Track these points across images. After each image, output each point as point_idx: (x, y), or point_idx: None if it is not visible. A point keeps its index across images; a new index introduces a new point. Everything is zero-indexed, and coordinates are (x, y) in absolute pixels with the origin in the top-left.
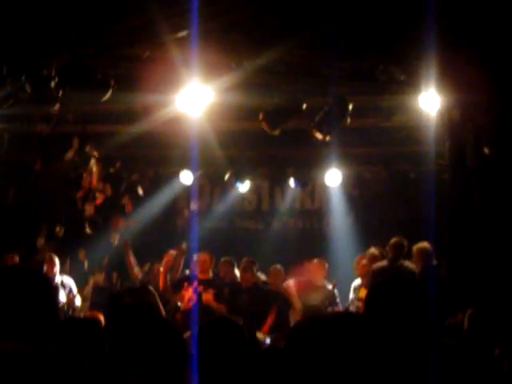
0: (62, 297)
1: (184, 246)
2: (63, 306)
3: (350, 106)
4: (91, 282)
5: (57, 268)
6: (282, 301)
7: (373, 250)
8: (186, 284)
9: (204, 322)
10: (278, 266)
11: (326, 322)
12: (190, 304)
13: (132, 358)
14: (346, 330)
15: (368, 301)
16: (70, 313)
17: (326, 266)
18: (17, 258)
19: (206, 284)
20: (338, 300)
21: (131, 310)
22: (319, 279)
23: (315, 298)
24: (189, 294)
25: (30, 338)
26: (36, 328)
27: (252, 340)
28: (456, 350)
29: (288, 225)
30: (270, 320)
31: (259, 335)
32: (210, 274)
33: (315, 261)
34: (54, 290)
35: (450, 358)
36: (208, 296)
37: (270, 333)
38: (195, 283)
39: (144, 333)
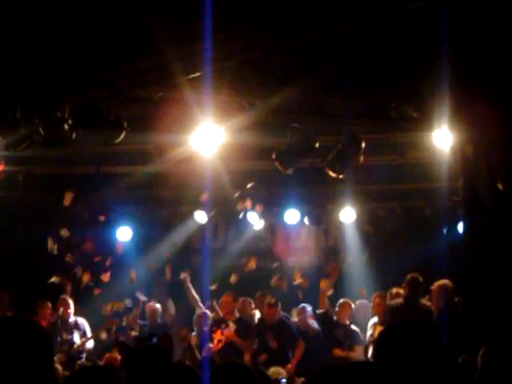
0: (76, 338)
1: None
2: (77, 348)
3: (363, 144)
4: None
5: (71, 309)
6: (309, 339)
7: (395, 290)
8: (214, 327)
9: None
10: (306, 305)
11: (337, 372)
12: (220, 345)
13: None
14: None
15: (378, 345)
16: (83, 355)
17: (352, 306)
18: (49, 305)
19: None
20: (359, 338)
21: (144, 356)
22: (344, 319)
23: (339, 334)
24: (217, 336)
25: None
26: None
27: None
28: None
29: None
30: (296, 356)
31: (276, 373)
32: (236, 314)
33: (341, 301)
34: (51, 344)
35: None
36: (230, 333)
37: (298, 369)
38: (223, 325)
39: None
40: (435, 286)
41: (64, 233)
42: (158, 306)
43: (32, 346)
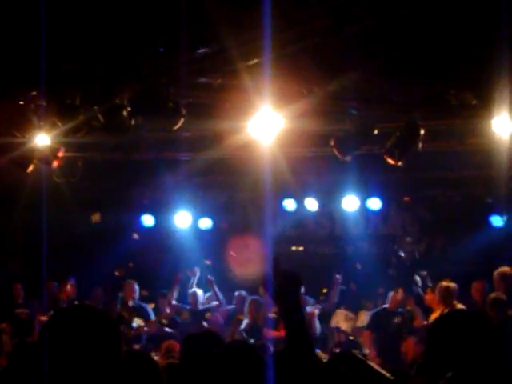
0: (137, 322)
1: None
2: (139, 331)
3: (422, 131)
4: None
5: (136, 294)
6: None
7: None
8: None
9: None
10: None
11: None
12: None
13: None
14: None
15: (431, 332)
16: (143, 338)
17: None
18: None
19: None
20: None
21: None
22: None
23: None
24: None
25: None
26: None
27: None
28: None
29: (362, 250)
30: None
31: None
32: None
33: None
34: (121, 335)
35: None
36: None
37: None
38: None
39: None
40: (495, 273)
41: (95, 218)
42: (201, 292)
43: (101, 335)
